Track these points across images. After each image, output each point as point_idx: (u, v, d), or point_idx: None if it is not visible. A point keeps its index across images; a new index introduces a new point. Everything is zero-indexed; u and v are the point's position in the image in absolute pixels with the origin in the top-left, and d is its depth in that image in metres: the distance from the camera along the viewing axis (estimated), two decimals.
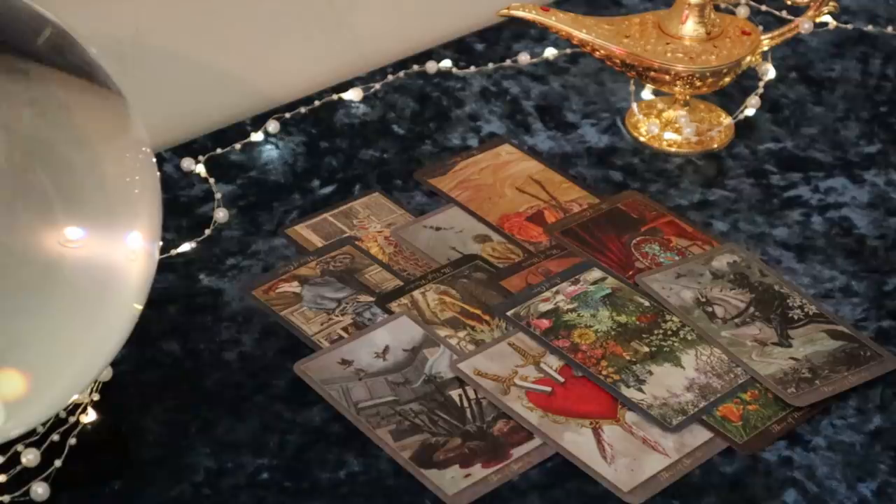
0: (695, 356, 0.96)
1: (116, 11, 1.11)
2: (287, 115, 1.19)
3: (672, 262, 1.04)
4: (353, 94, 1.21)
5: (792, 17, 1.22)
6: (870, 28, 1.31)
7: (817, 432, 0.92)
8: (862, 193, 1.12)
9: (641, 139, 1.18)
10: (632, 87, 1.21)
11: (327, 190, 1.12)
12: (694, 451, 0.90)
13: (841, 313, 1.01)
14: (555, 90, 1.24)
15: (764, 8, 1.29)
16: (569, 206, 1.10)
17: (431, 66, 1.24)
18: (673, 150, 1.17)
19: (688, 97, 1.18)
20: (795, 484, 0.89)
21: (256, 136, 1.16)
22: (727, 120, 1.19)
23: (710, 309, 1.00)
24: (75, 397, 0.87)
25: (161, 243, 0.87)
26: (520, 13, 1.15)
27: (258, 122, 1.18)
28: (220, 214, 1.08)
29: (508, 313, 0.99)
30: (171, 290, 1.01)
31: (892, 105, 1.23)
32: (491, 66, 1.25)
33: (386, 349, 0.96)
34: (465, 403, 0.93)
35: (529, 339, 0.97)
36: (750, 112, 1.19)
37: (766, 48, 1.17)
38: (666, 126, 1.18)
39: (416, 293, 1.01)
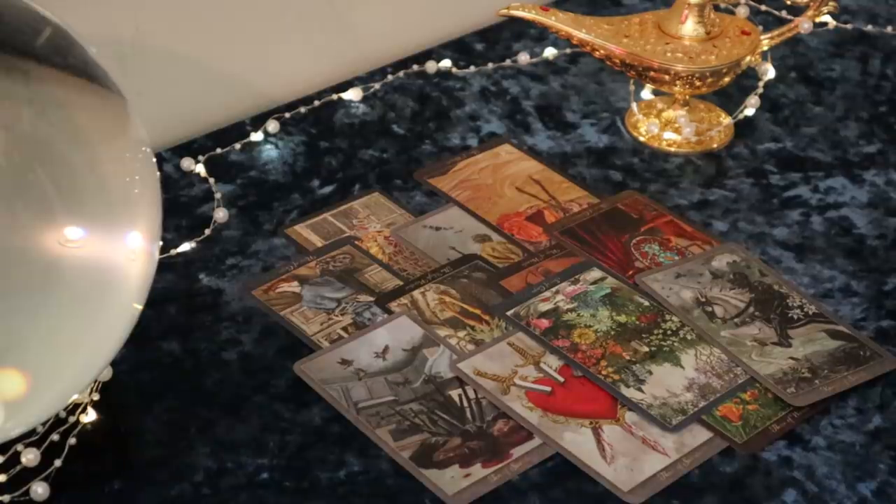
0: (694, 356, 0.96)
1: (116, 11, 1.11)
2: (287, 114, 1.19)
3: (672, 262, 1.04)
4: (352, 94, 1.21)
5: (791, 17, 1.22)
6: (869, 28, 1.31)
7: (817, 432, 0.92)
8: (861, 193, 1.12)
9: (641, 139, 1.18)
10: (631, 87, 1.21)
11: (327, 190, 1.12)
12: (694, 451, 0.90)
13: (841, 313, 1.01)
14: (554, 90, 1.24)
15: (763, 8, 1.29)
16: (568, 205, 1.10)
17: (431, 66, 1.24)
18: (673, 149, 1.17)
19: (687, 97, 1.18)
20: (795, 484, 0.89)
21: (256, 136, 1.16)
22: (727, 120, 1.19)
23: (709, 309, 1.00)
24: (75, 397, 0.87)
25: (161, 243, 0.87)
26: (520, 13, 1.15)
27: (258, 122, 1.18)
28: (220, 214, 1.08)
29: (508, 313, 0.99)
30: (170, 290, 1.01)
31: (891, 105, 1.23)
32: (491, 66, 1.25)
33: (386, 349, 0.96)
34: (465, 403, 0.93)
35: (529, 338, 0.97)
36: (750, 112, 1.19)
37: (765, 48, 1.17)
38: (665, 126, 1.18)
39: (416, 293, 1.01)
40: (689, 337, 0.98)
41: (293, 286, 1.02)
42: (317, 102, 1.20)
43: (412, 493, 0.88)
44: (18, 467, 0.86)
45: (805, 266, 1.05)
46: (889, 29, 1.31)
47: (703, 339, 0.98)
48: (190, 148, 1.15)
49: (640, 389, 0.93)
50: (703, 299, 1.01)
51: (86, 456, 0.89)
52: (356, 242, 1.06)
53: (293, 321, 0.99)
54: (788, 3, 1.18)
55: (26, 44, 0.81)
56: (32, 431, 0.88)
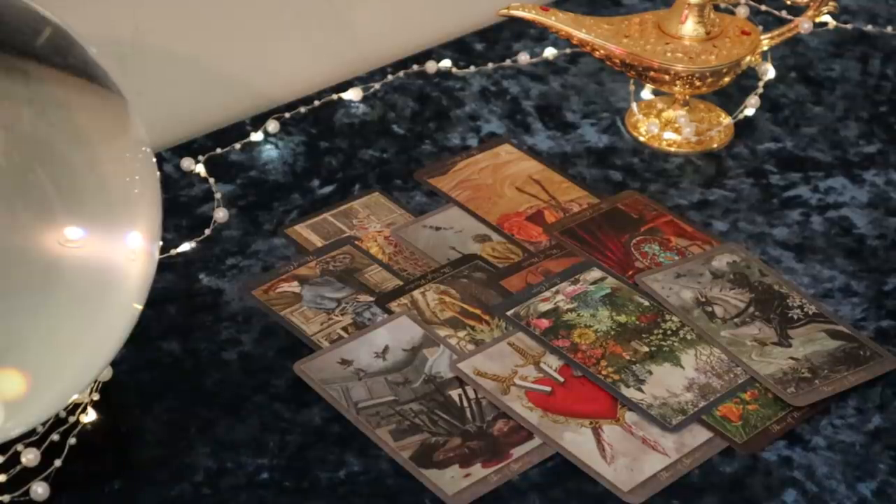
0: (694, 356, 0.96)
1: (116, 11, 1.11)
2: (287, 114, 1.19)
3: (672, 262, 1.04)
4: (352, 94, 1.21)
5: (791, 17, 1.22)
6: (869, 28, 1.31)
7: (817, 432, 0.92)
8: (861, 193, 1.12)
9: (641, 139, 1.18)
10: (631, 87, 1.21)
11: (327, 190, 1.12)
12: (694, 451, 0.90)
13: (841, 313, 1.01)
14: (554, 90, 1.24)
15: (764, 8, 1.29)
16: (568, 205, 1.10)
17: (431, 66, 1.24)
18: (672, 149, 1.17)
19: (687, 97, 1.18)
20: (795, 484, 0.89)
21: (256, 136, 1.16)
22: (727, 120, 1.19)
23: (709, 309, 1.00)
24: (75, 397, 0.87)
25: (161, 243, 0.87)
26: (520, 13, 1.15)
27: (258, 121, 1.18)
28: (220, 214, 1.08)
29: (508, 313, 0.99)
30: (170, 290, 1.01)
31: (891, 105, 1.23)
32: (491, 66, 1.25)
33: (386, 349, 0.96)
34: (465, 403, 0.93)
35: (529, 338, 0.97)
36: (750, 112, 1.19)
37: (765, 48, 1.17)
38: (665, 126, 1.18)
39: (416, 293, 1.01)
40: (689, 337, 0.98)
41: (293, 286, 1.02)
42: (317, 102, 1.20)
43: (412, 493, 0.88)
44: (18, 467, 0.86)
45: (805, 266, 1.05)
46: (889, 29, 1.31)
47: (703, 339, 0.98)
48: (190, 148, 1.15)
49: (640, 389, 0.93)
50: (703, 299, 1.01)
51: (86, 456, 0.89)
52: (356, 242, 1.06)
53: (293, 321, 0.99)
54: (788, 3, 1.18)
55: (26, 44, 0.81)
56: (32, 431, 0.88)
